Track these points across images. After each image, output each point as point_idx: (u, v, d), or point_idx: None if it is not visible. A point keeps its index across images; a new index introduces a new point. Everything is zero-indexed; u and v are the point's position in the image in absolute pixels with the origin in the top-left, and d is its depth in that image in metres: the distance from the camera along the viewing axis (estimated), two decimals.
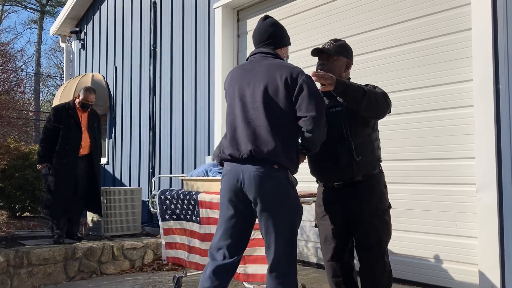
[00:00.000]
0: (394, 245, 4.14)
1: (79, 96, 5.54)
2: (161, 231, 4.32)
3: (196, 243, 3.99)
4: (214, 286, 2.66)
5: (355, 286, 2.96)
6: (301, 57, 4.83)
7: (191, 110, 6.39)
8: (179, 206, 4.12)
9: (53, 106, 6.69)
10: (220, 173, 4.07)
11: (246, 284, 3.68)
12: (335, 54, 2.90)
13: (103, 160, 7.85)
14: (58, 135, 5.37)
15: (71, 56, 9.47)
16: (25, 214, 8.17)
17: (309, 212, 4.43)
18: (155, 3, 7.21)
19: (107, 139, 8.17)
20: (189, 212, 4.02)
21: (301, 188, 2.85)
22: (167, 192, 4.27)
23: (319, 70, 2.83)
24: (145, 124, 7.30)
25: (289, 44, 2.93)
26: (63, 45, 9.77)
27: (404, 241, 4.20)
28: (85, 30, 9.06)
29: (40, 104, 26.19)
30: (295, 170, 2.71)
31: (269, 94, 2.62)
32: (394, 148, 4.29)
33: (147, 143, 7.20)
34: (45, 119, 6.85)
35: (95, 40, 8.78)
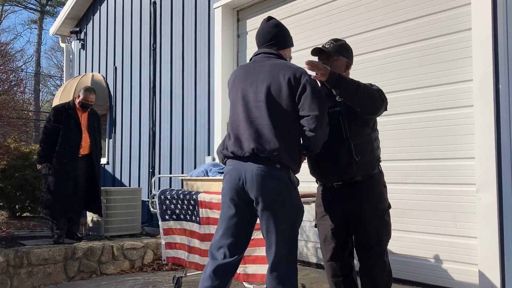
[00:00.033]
0: (394, 245, 4.14)
1: (79, 96, 5.54)
2: (161, 231, 4.32)
3: (196, 243, 3.99)
4: (214, 285, 2.66)
5: (354, 286, 2.96)
6: (301, 57, 4.82)
7: (191, 110, 6.39)
8: (179, 206, 4.12)
9: (53, 106, 6.69)
10: (220, 173, 4.08)
11: (246, 284, 3.68)
12: (335, 54, 2.90)
13: (103, 160, 7.85)
14: (58, 135, 5.37)
15: (71, 56, 9.47)
16: (25, 214, 8.17)
17: (309, 212, 4.42)
18: (155, 3, 7.21)
19: (107, 139, 8.17)
20: (189, 212, 4.02)
21: (301, 188, 2.85)
22: (167, 192, 4.26)
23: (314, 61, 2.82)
24: (145, 124, 7.30)
25: (292, 45, 2.95)
26: (63, 45, 9.77)
27: (404, 241, 4.20)
28: (85, 30, 9.06)
29: (40, 104, 26.20)
30: (297, 169, 2.72)
31: (272, 93, 2.63)
32: (394, 148, 4.29)
33: (147, 143, 7.20)
34: (45, 119, 6.85)
35: (95, 40, 8.77)
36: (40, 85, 26.61)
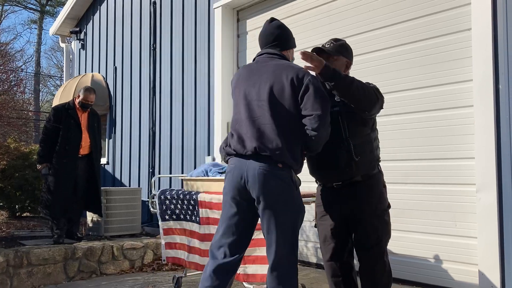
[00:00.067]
0: (394, 245, 4.14)
1: (79, 96, 5.54)
2: (161, 231, 4.32)
3: (195, 243, 3.99)
4: (214, 285, 2.66)
5: (354, 286, 2.96)
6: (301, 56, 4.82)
7: (191, 110, 6.39)
8: (179, 206, 4.12)
9: (53, 106, 6.69)
10: (220, 173, 4.08)
11: (246, 284, 3.68)
12: (335, 54, 2.90)
13: (103, 160, 7.85)
14: (58, 135, 5.37)
15: (71, 56, 9.47)
16: (25, 214, 8.17)
17: (309, 212, 4.40)
18: (155, 3, 7.21)
19: (107, 139, 8.17)
20: (189, 212, 4.02)
21: (301, 188, 2.85)
22: (167, 192, 4.26)
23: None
24: (145, 124, 7.30)
25: (295, 46, 2.96)
26: (63, 45, 9.76)
27: (404, 241, 4.20)
28: (85, 30, 9.06)
29: (40, 104, 26.19)
30: (299, 169, 2.73)
31: (275, 93, 2.65)
32: (394, 148, 4.29)
33: (147, 143, 7.20)
34: (45, 119, 6.84)
35: (95, 40, 8.77)
36: (40, 85, 26.62)
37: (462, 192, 3.89)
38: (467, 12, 3.89)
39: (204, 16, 6.27)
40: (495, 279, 3.55)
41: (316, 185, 3.07)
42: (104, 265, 5.11)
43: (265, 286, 2.71)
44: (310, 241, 5.02)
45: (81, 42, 9.13)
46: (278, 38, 2.83)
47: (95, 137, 5.65)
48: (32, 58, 26.53)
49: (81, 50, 9.15)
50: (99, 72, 8.56)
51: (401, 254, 4.21)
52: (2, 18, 26.83)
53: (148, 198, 6.72)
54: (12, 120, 9.28)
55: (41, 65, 27.71)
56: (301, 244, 5.04)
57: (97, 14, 8.75)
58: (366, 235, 2.81)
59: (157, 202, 4.31)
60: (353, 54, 3.07)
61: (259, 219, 2.71)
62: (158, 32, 7.12)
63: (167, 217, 4.24)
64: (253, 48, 5.78)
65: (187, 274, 4.31)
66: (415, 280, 4.12)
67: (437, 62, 4.08)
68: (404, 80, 4.28)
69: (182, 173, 6.33)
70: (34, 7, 26.90)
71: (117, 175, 7.90)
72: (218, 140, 5.83)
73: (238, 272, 3.48)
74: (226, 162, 2.82)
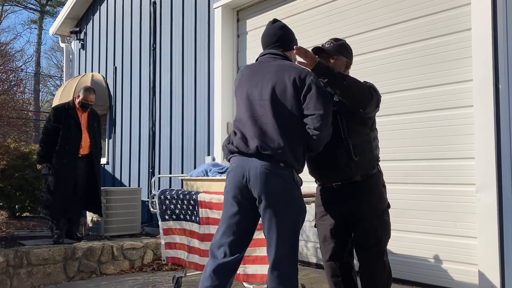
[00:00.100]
0: (394, 245, 4.13)
1: (78, 96, 5.54)
2: (161, 231, 4.32)
3: (195, 243, 3.99)
4: (214, 285, 2.66)
5: (354, 286, 2.96)
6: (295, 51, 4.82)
7: (191, 110, 6.39)
8: (178, 206, 4.12)
9: (53, 106, 6.69)
10: (220, 173, 4.08)
11: (245, 284, 3.68)
12: (335, 53, 2.90)
13: (103, 160, 7.84)
14: (58, 135, 5.36)
15: (70, 56, 9.47)
16: (24, 214, 8.17)
17: (309, 212, 4.40)
18: (155, 3, 7.21)
19: (106, 139, 8.17)
20: (189, 212, 4.02)
21: (302, 188, 2.85)
22: (167, 192, 4.26)
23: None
24: (144, 124, 7.30)
25: None
26: (62, 45, 9.76)
27: (404, 241, 4.20)
28: (85, 30, 9.06)
29: (40, 104, 26.19)
30: (300, 169, 2.73)
31: (277, 93, 2.66)
32: (394, 148, 4.29)
33: (147, 143, 7.20)
34: (45, 119, 6.85)
35: (95, 40, 8.77)
36: (40, 85, 26.61)
37: (462, 192, 3.89)
38: (467, 12, 3.89)
39: (204, 16, 6.27)
40: (495, 279, 3.55)
41: (316, 185, 3.07)
42: (104, 265, 5.11)
43: (265, 286, 2.71)
44: (310, 241, 5.02)
45: (81, 42, 9.13)
46: (281, 39, 2.84)
47: (95, 137, 5.65)
48: (32, 58, 26.55)
49: (81, 50, 9.15)
50: (99, 72, 8.56)
51: (401, 254, 4.21)
52: (2, 18, 26.84)
53: (148, 198, 6.72)
54: (12, 120, 9.29)
55: (41, 65, 27.75)
56: (301, 244, 5.04)
57: (97, 14, 8.75)
58: (365, 235, 2.81)
59: (157, 202, 4.31)
60: (353, 54, 3.07)
61: (260, 218, 2.71)
62: (158, 32, 7.12)
63: (167, 217, 4.24)
64: (253, 48, 5.78)
65: (187, 274, 4.31)
66: (415, 280, 4.12)
67: (437, 62, 4.08)
68: (404, 80, 4.28)
69: (182, 173, 6.33)
70: (34, 7, 26.92)
71: (117, 175, 7.90)
72: (218, 140, 5.83)
73: (238, 272, 3.48)
74: (228, 160, 2.83)
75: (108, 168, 8.11)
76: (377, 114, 2.98)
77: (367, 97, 2.72)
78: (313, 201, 3.32)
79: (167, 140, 6.77)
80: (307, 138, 2.64)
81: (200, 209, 3.89)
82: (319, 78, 2.67)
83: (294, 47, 2.67)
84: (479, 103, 3.70)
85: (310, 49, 2.95)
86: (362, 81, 2.82)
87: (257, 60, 2.89)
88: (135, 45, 7.64)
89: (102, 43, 8.56)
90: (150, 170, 7.05)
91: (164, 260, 4.42)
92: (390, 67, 4.38)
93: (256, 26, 5.77)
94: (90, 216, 6.03)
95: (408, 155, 4.24)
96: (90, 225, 6.03)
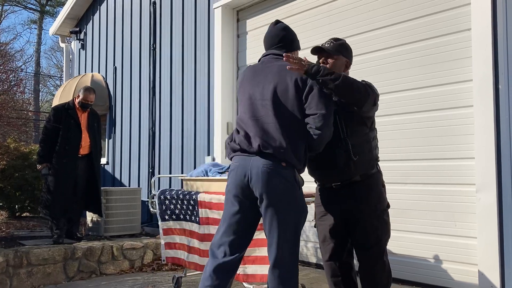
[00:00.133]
0: (394, 245, 4.13)
1: (78, 96, 5.54)
2: (161, 231, 4.32)
3: (195, 243, 3.99)
4: (214, 285, 2.66)
5: (354, 286, 2.96)
6: (301, 56, 4.82)
7: (191, 110, 6.39)
8: (178, 206, 4.12)
9: (52, 106, 6.69)
10: (220, 173, 4.08)
11: (245, 285, 3.68)
12: (335, 53, 2.90)
13: (103, 160, 7.84)
14: (58, 135, 5.36)
15: (70, 56, 9.47)
16: (24, 214, 8.16)
17: (309, 212, 4.42)
18: (154, 3, 7.21)
19: (106, 139, 8.16)
20: (189, 212, 4.02)
21: (303, 188, 2.85)
22: (167, 192, 4.26)
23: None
24: (144, 124, 7.30)
25: (299, 48, 2.98)
26: (62, 45, 9.76)
27: (404, 241, 4.20)
28: (84, 30, 9.06)
29: (40, 104, 26.18)
30: (302, 169, 2.74)
31: (279, 93, 2.67)
32: (394, 148, 4.29)
33: (146, 143, 7.20)
34: (45, 119, 6.84)
35: (95, 40, 8.77)
36: (40, 85, 26.60)
37: (462, 192, 3.89)
38: (467, 12, 3.89)
39: (204, 16, 6.27)
40: (495, 279, 3.55)
41: (315, 185, 3.07)
42: (104, 265, 5.11)
43: (265, 286, 2.71)
44: (310, 241, 5.02)
45: (81, 42, 9.13)
46: (283, 40, 2.86)
47: (95, 137, 5.65)
48: (32, 58, 26.53)
49: (81, 50, 9.15)
50: (99, 72, 8.56)
51: (400, 254, 4.21)
52: (2, 18, 26.83)
53: (148, 198, 6.71)
54: (12, 120, 9.29)
55: (41, 65, 27.72)
56: (301, 244, 4.99)
57: (97, 14, 8.75)
58: (365, 235, 2.81)
59: (156, 202, 4.31)
60: (353, 54, 3.07)
61: (261, 218, 2.71)
62: (158, 32, 7.12)
63: (166, 217, 4.24)
64: (253, 48, 5.78)
65: (187, 274, 4.31)
66: (414, 280, 4.12)
67: (437, 62, 4.08)
68: (404, 80, 4.28)
69: (182, 173, 6.33)
70: (34, 7, 26.91)
71: (117, 175, 7.90)
72: (218, 140, 5.83)
73: (238, 272, 3.48)
74: (230, 159, 2.83)
75: (108, 168, 8.11)
76: (377, 114, 2.98)
77: (362, 94, 2.70)
78: (313, 201, 3.32)
79: (167, 140, 6.77)
80: (309, 138, 2.65)
81: (200, 209, 3.89)
82: (313, 79, 2.66)
83: (284, 54, 2.65)
84: (479, 103, 3.70)
85: (310, 49, 2.96)
86: (360, 80, 2.82)
87: (259, 60, 2.91)
88: (135, 45, 7.64)
89: (102, 43, 8.56)
90: (150, 170, 7.04)
91: (164, 260, 4.42)
92: (390, 67, 4.38)
93: (256, 26, 5.77)
94: (90, 216, 6.03)
95: (408, 155, 4.24)
96: (90, 225, 6.03)
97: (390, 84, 4.33)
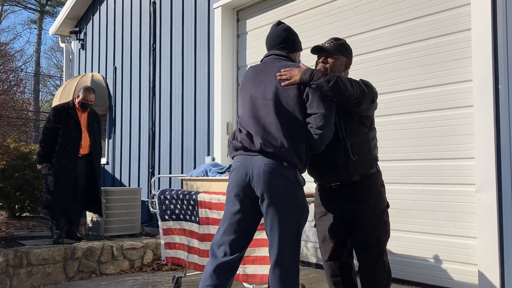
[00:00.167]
0: (394, 245, 4.13)
1: (78, 96, 5.54)
2: (161, 231, 4.32)
3: (195, 243, 3.99)
4: (215, 285, 2.66)
5: (354, 286, 2.96)
6: (301, 56, 4.82)
7: (191, 110, 6.39)
8: (178, 206, 4.12)
9: (52, 106, 6.69)
10: (220, 173, 4.08)
11: (245, 285, 3.68)
12: (334, 53, 2.90)
13: (103, 160, 7.84)
14: (58, 135, 5.36)
15: (70, 56, 9.47)
16: (24, 214, 8.17)
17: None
18: (154, 3, 7.21)
19: (106, 139, 8.17)
20: (189, 212, 4.02)
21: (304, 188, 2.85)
22: (167, 192, 4.26)
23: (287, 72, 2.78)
24: (144, 124, 7.30)
25: (301, 49, 2.99)
26: (62, 45, 9.76)
27: (404, 241, 4.20)
28: (84, 30, 9.06)
29: (40, 104, 26.17)
30: (303, 169, 2.75)
31: (280, 93, 2.68)
32: (394, 148, 4.29)
33: (146, 143, 7.20)
34: (45, 119, 6.84)
35: (95, 40, 8.77)
36: (40, 85, 26.60)
37: (461, 192, 3.89)
38: (467, 12, 3.89)
39: (204, 16, 6.27)
40: (495, 279, 3.55)
41: (315, 185, 3.07)
42: (104, 265, 5.11)
43: (265, 286, 2.71)
44: (310, 241, 5.02)
45: (81, 42, 9.13)
46: (285, 41, 2.87)
47: (95, 137, 5.65)
48: (32, 58, 26.52)
49: (81, 50, 9.15)
50: (99, 72, 8.56)
51: (400, 254, 4.21)
52: (2, 18, 26.83)
53: (147, 198, 6.71)
54: (11, 120, 9.29)
55: (40, 65, 27.72)
56: (301, 244, 5.03)
57: (97, 14, 8.75)
58: (365, 235, 2.81)
59: (156, 202, 4.31)
60: (353, 54, 3.06)
61: (262, 218, 2.71)
62: (158, 32, 7.12)
63: (166, 217, 4.24)
64: (253, 48, 5.78)
65: (187, 274, 4.31)
66: (414, 280, 4.12)
67: (437, 62, 4.08)
68: (404, 80, 4.28)
69: (182, 173, 6.33)
70: (34, 7, 26.90)
71: (117, 175, 7.90)
72: (218, 140, 5.83)
73: (238, 272, 3.48)
74: (232, 158, 2.83)
75: (108, 168, 8.11)
76: (377, 114, 2.98)
77: (360, 92, 2.69)
78: (313, 201, 3.32)
79: (167, 140, 6.77)
80: (310, 137, 2.65)
81: (199, 209, 3.89)
82: (309, 84, 2.66)
83: (277, 74, 2.68)
84: (479, 103, 3.70)
85: (309, 49, 2.96)
86: (359, 79, 2.82)
87: (261, 61, 2.92)
88: (135, 45, 7.64)
89: (102, 43, 8.56)
90: (150, 170, 7.04)
91: (164, 260, 4.42)
92: (390, 67, 4.38)
93: (256, 26, 5.77)
94: (90, 216, 6.03)
95: (408, 155, 4.24)
96: (90, 225, 6.03)
97: (390, 84, 4.33)
